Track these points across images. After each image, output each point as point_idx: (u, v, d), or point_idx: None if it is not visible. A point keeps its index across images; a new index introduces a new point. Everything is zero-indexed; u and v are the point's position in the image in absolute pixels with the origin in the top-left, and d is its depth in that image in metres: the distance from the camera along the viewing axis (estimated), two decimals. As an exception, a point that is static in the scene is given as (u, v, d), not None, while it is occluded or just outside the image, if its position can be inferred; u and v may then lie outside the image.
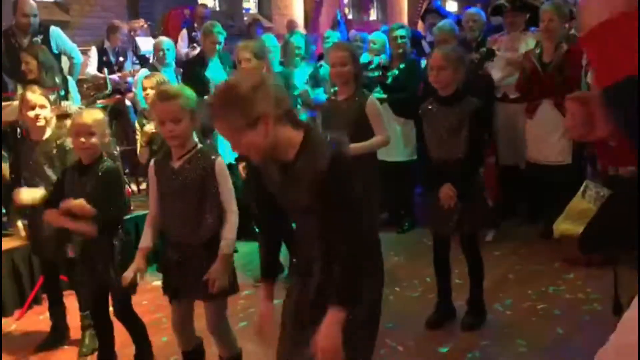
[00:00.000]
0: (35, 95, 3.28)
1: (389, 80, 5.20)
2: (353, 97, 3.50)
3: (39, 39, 5.31)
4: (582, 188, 4.14)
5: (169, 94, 2.45)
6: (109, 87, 5.54)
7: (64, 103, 4.95)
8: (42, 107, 3.27)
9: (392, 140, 5.21)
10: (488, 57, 5.02)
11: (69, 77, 5.33)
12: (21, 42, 5.22)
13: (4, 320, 4.07)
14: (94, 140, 2.80)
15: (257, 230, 4.07)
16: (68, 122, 4.77)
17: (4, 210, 4.46)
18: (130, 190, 4.78)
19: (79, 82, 5.59)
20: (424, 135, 5.26)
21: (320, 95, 5.54)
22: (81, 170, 2.88)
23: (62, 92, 5.00)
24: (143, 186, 6.02)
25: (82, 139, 2.79)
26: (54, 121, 3.36)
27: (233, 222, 2.48)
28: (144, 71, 5.83)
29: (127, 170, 5.80)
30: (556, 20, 4.45)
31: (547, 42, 4.52)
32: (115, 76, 6.28)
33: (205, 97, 4.99)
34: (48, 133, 3.32)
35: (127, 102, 6.18)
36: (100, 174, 2.81)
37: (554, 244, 4.33)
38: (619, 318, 3.05)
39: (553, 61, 4.45)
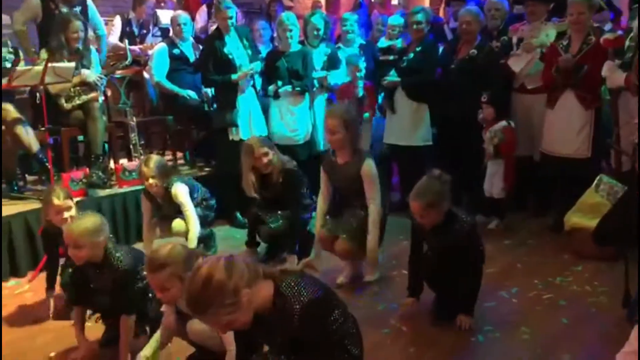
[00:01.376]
0: (60, 200, 3.35)
1: (404, 64, 5.17)
2: (351, 161, 3.69)
3: (78, 9, 5.35)
4: (595, 182, 4.14)
5: (155, 265, 2.39)
6: (129, 58, 5.55)
7: (83, 71, 5.00)
8: (69, 208, 3.37)
9: (406, 124, 5.25)
10: (508, 47, 4.99)
11: (91, 47, 5.36)
12: (62, 10, 5.24)
13: (16, 280, 4.17)
14: (82, 253, 2.86)
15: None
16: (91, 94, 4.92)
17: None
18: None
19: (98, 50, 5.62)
20: (437, 123, 5.33)
21: (337, 78, 5.55)
22: (95, 266, 2.96)
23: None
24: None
25: (73, 251, 2.87)
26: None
27: None
28: (160, 45, 5.86)
29: (142, 142, 5.85)
30: (586, 13, 4.40)
31: (576, 34, 4.47)
32: (136, 47, 6.30)
33: (232, 75, 5.09)
34: None
35: (145, 75, 6.20)
36: (113, 278, 2.88)
37: (564, 237, 4.33)
38: (627, 310, 3.09)
39: (580, 53, 4.41)
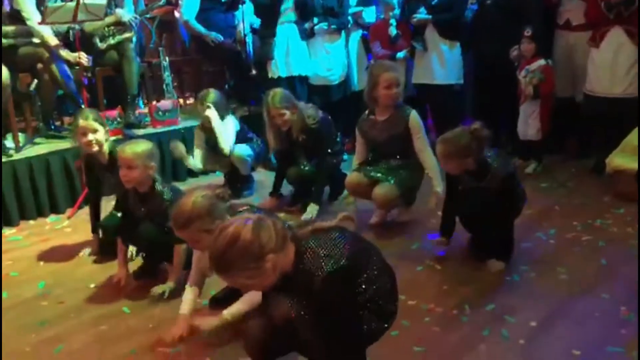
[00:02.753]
0: (86, 121, 3.30)
1: (434, 1, 4.97)
2: (394, 116, 3.57)
3: None
4: (641, 122, 3.97)
5: (180, 223, 2.33)
6: (163, -1, 5.48)
7: (117, 11, 4.95)
8: (95, 131, 3.31)
9: (438, 63, 5.08)
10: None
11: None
12: None
13: (55, 216, 4.28)
14: (134, 174, 2.91)
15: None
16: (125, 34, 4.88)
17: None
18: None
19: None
20: (471, 62, 5.15)
21: (371, 15, 5.38)
22: (140, 198, 3.02)
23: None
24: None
25: (125, 171, 2.92)
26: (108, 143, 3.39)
27: None
28: None
29: (175, 84, 5.83)
30: None
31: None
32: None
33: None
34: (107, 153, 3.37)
35: (177, 15, 6.12)
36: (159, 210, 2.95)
37: (605, 179, 4.21)
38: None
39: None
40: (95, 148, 3.33)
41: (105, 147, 3.36)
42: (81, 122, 3.31)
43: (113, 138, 4.46)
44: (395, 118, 3.57)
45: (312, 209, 3.97)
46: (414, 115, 3.55)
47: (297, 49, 5.20)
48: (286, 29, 5.15)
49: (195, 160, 4.43)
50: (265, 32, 5.19)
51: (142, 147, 2.97)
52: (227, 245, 1.67)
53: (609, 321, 2.50)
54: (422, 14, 5.01)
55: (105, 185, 3.51)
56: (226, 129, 4.32)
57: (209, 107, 4.28)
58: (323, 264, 1.72)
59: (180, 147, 4.33)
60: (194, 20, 5.64)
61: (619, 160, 3.97)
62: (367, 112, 3.70)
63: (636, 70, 4.24)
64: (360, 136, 3.74)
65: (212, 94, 4.36)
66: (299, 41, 5.21)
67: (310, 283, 1.73)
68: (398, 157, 3.63)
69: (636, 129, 3.98)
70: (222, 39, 5.58)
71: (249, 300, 2.38)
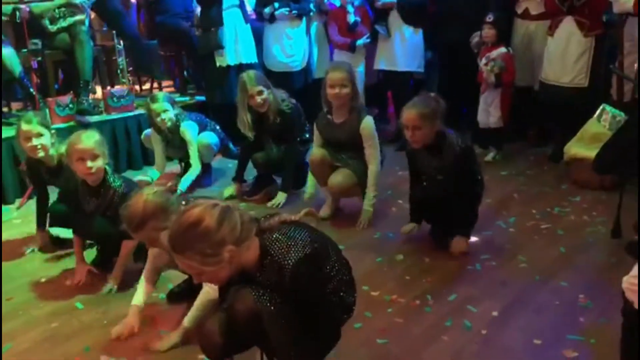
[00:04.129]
0: (29, 125, 3.09)
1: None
2: (349, 119, 3.48)
3: None
4: (598, 112, 4.04)
5: (134, 225, 2.26)
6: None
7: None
8: (38, 135, 3.11)
9: (401, 49, 5.04)
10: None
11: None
12: None
13: (3, 206, 4.09)
14: (100, 162, 2.80)
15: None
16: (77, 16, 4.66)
17: None
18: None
19: None
20: (433, 49, 5.14)
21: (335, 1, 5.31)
22: (91, 192, 2.88)
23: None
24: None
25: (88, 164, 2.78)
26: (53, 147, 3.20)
27: None
28: None
29: (130, 69, 5.64)
30: None
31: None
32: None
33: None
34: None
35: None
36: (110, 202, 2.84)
37: (562, 167, 4.28)
38: (618, 241, 3.06)
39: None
40: (41, 153, 3.14)
41: (52, 151, 3.17)
42: (24, 126, 3.10)
43: (64, 125, 4.34)
44: (349, 123, 3.48)
45: (280, 197, 3.93)
46: (366, 122, 3.44)
47: (244, 35, 5.07)
48: (232, 14, 5.00)
49: (156, 168, 4.39)
50: (206, 21, 5.00)
51: (96, 135, 2.85)
52: (188, 226, 1.64)
53: (567, 309, 2.53)
54: None
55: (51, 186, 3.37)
56: (193, 141, 4.22)
57: (185, 120, 4.21)
58: (292, 253, 1.71)
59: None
60: None
61: (576, 148, 4.03)
62: (325, 110, 3.61)
63: (585, 60, 4.30)
64: (317, 131, 3.66)
65: (161, 95, 4.26)
66: (244, 26, 5.09)
67: (280, 273, 1.71)
68: (355, 152, 3.56)
69: (593, 118, 4.04)
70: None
71: (204, 302, 2.30)
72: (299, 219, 1.88)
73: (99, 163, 2.80)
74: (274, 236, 1.76)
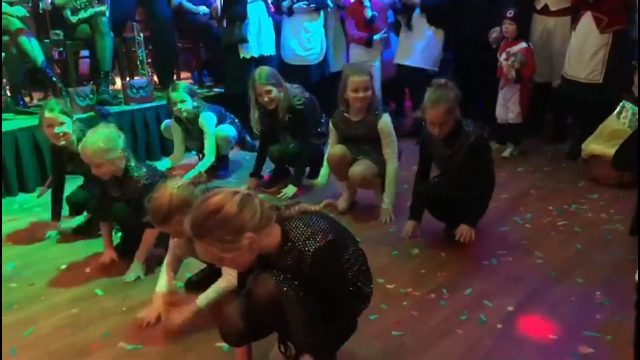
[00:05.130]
0: (52, 113, 3.18)
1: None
2: (366, 118, 3.48)
3: None
4: (618, 109, 4.01)
5: (159, 219, 2.29)
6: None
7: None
8: (61, 124, 3.19)
9: (421, 46, 5.03)
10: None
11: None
12: None
13: (24, 195, 4.16)
14: (104, 170, 2.85)
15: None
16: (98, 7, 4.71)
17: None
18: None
19: None
20: (452, 48, 5.12)
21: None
22: (114, 181, 2.93)
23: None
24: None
25: (94, 170, 2.85)
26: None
27: None
28: None
29: (148, 60, 5.69)
30: None
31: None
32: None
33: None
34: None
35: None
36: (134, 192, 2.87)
37: (580, 164, 4.25)
38: (635, 239, 3.03)
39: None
40: (63, 141, 3.23)
41: (73, 137, 3.23)
42: (47, 113, 3.20)
43: (84, 115, 4.39)
44: (367, 120, 3.48)
45: (290, 190, 3.95)
46: (383, 120, 3.45)
47: (267, 28, 5.11)
48: (256, 7, 5.03)
49: (172, 158, 4.51)
50: (231, 14, 5.03)
51: (100, 141, 2.79)
52: (209, 213, 1.67)
53: (584, 306, 2.52)
54: None
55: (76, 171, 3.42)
56: (210, 131, 4.28)
57: (183, 101, 4.21)
58: (312, 240, 1.74)
59: None
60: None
61: (595, 145, 4.01)
62: (341, 108, 3.58)
63: (601, 57, 4.26)
64: (334, 129, 3.65)
65: (182, 85, 4.29)
66: (267, 19, 5.12)
67: (300, 260, 1.74)
68: (373, 146, 3.56)
69: (613, 115, 4.01)
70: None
71: (222, 287, 2.34)
72: (319, 209, 1.90)
73: (103, 169, 2.84)
74: (295, 224, 1.79)
